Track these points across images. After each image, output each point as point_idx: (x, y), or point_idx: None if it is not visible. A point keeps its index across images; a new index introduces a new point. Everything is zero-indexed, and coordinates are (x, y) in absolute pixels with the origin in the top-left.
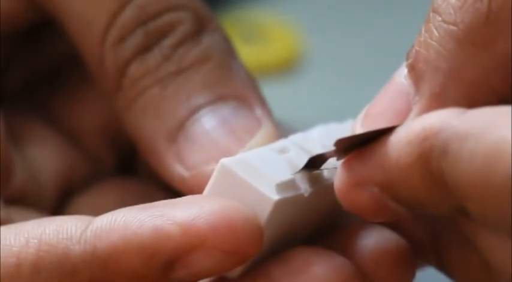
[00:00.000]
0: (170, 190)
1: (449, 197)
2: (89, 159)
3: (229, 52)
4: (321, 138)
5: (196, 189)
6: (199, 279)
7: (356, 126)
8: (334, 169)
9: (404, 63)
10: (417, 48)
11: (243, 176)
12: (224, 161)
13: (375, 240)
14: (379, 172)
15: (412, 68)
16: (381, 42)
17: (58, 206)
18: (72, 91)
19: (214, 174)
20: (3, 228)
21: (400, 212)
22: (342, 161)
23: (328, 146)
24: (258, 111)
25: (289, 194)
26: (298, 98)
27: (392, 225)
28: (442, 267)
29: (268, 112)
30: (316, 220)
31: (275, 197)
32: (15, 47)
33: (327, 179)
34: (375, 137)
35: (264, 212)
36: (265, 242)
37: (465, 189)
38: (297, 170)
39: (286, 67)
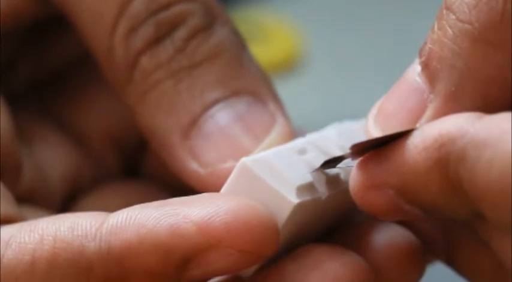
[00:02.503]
0: (175, 192)
1: (466, 202)
2: (94, 161)
3: (240, 45)
4: (338, 138)
5: (212, 186)
6: (213, 277)
7: (369, 125)
8: (350, 170)
9: (417, 61)
10: (431, 46)
11: (263, 176)
12: (245, 160)
13: (386, 237)
14: (395, 176)
15: (426, 66)
16: (381, 42)
17: (64, 206)
18: (78, 93)
19: (234, 173)
20: (17, 225)
21: (415, 214)
22: (357, 161)
23: (345, 148)
24: (272, 106)
25: (308, 197)
26: (298, 97)
27: (405, 223)
28: (453, 264)
29: (281, 107)
30: (331, 220)
31: (295, 200)
32: (20, 45)
33: (344, 181)
34: (391, 140)
35: (282, 214)
36: (280, 241)
37: (483, 196)
38: (314, 175)
39: (286, 67)
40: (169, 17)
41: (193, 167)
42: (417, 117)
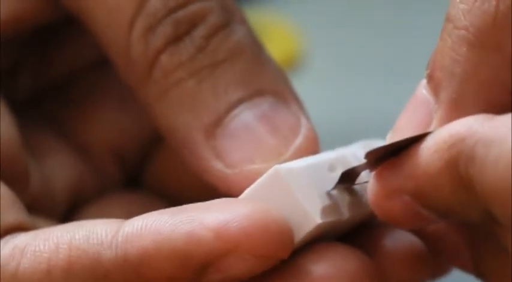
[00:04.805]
0: (176, 203)
1: (478, 203)
2: (97, 173)
3: (259, 44)
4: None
5: (237, 187)
6: (232, 281)
7: (386, 141)
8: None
9: (424, 74)
10: (434, 58)
11: (293, 188)
12: (279, 168)
13: (394, 240)
14: (410, 181)
15: (430, 78)
16: (381, 42)
17: (67, 216)
18: (81, 104)
19: (264, 177)
20: (32, 233)
21: (432, 220)
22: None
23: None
24: (294, 107)
25: (331, 218)
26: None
27: (428, 233)
28: (480, 275)
29: (302, 106)
30: (344, 231)
31: (319, 220)
32: (22, 53)
33: (366, 205)
34: (405, 147)
35: (302, 229)
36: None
37: (491, 195)
38: (340, 197)
39: (287, 67)
40: (188, 15)
41: (219, 167)
42: (425, 129)
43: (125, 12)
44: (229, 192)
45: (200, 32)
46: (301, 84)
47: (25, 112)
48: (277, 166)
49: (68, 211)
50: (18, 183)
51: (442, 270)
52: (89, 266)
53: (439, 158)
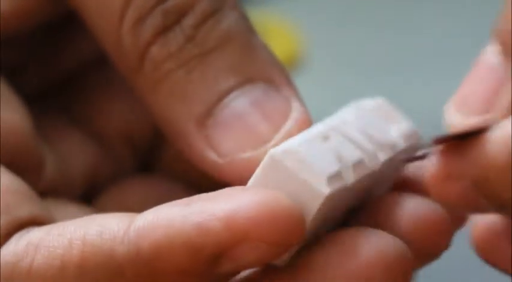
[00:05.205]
0: (190, 186)
1: None
2: (111, 159)
3: (250, 30)
4: (357, 121)
5: (231, 176)
6: (245, 269)
7: (450, 111)
8: (375, 155)
9: (492, 41)
10: (504, 25)
11: (292, 168)
12: (273, 152)
13: (410, 209)
14: (475, 168)
15: (500, 44)
16: (381, 41)
17: (86, 202)
18: (92, 95)
19: (262, 165)
20: (45, 229)
21: (486, 210)
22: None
23: (366, 131)
24: (286, 92)
25: (337, 186)
26: None
27: None
28: None
29: (296, 91)
30: (354, 202)
31: (326, 191)
32: (33, 46)
33: (368, 166)
34: (473, 133)
35: (313, 205)
36: (311, 230)
37: None
38: (342, 159)
39: (287, 66)
40: (177, 4)
41: (211, 157)
42: (493, 97)
43: (115, 5)
44: (224, 181)
45: (189, 20)
46: (301, 84)
47: (36, 105)
48: (271, 151)
49: (85, 196)
50: (32, 172)
51: (462, 224)
52: (102, 261)
53: (507, 153)
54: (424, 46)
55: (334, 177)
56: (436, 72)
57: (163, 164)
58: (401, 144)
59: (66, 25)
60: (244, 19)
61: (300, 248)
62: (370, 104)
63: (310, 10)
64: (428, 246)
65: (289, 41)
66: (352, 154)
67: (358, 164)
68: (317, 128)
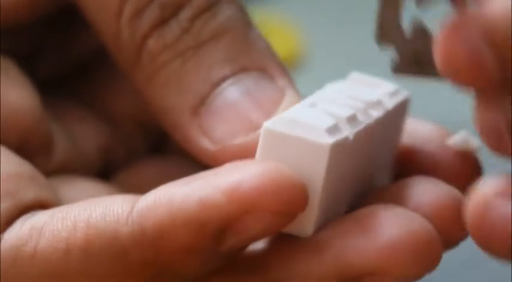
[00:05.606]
0: (203, 169)
1: None
2: (124, 141)
3: (247, 23)
4: (340, 91)
5: (225, 162)
6: (251, 243)
7: None
8: (364, 112)
9: None
10: None
11: (290, 132)
12: (267, 124)
13: (429, 191)
14: (483, 19)
15: None
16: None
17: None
18: (104, 81)
19: (261, 140)
20: (49, 212)
21: (493, 75)
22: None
23: (353, 96)
24: (280, 81)
25: (338, 137)
26: None
27: None
28: None
29: (291, 81)
30: (365, 167)
31: (329, 141)
32: (43, 33)
33: (362, 121)
34: None
35: (321, 162)
36: (327, 195)
37: None
38: (334, 117)
39: (287, 66)
40: None
41: (205, 144)
42: None
43: None
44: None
45: (186, 14)
46: (301, 84)
47: (47, 91)
48: (264, 124)
49: (101, 175)
50: (42, 151)
51: None
52: (107, 243)
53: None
54: None
55: (332, 129)
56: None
57: (175, 147)
58: (388, 101)
59: (78, 14)
60: (242, 12)
61: (322, 223)
62: (348, 79)
63: (310, 10)
64: (451, 231)
65: (289, 40)
66: (343, 112)
67: (351, 118)
68: (302, 102)
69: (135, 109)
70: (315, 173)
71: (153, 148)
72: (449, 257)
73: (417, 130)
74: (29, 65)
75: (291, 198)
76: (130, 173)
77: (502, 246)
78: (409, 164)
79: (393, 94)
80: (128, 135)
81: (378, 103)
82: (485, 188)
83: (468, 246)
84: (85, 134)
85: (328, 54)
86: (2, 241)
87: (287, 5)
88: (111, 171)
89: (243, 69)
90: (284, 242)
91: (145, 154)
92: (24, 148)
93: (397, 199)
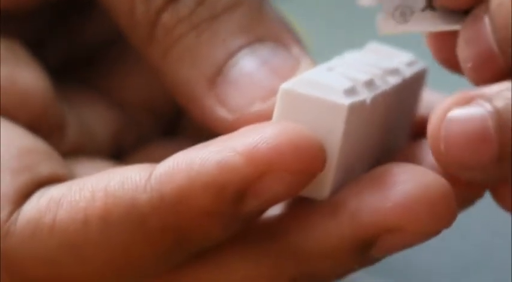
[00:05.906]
0: None
1: None
2: (134, 126)
3: None
4: (357, 58)
5: None
6: (270, 206)
7: None
8: (382, 78)
9: None
10: None
11: (307, 93)
12: (284, 86)
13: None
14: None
15: None
16: (381, 41)
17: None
18: (114, 68)
19: (278, 101)
20: (67, 184)
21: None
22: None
23: (371, 63)
24: (295, 50)
25: (355, 99)
26: None
27: None
28: None
29: (305, 50)
30: (379, 136)
31: (346, 102)
32: (53, 20)
33: (378, 85)
34: None
35: (339, 123)
36: (344, 157)
37: None
38: (352, 80)
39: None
40: None
41: (222, 113)
42: None
43: None
44: None
45: None
46: None
47: (59, 77)
48: (282, 85)
49: (112, 157)
50: (54, 132)
51: None
52: (126, 212)
53: None
54: (425, 49)
55: (350, 91)
56: (436, 71)
57: (185, 131)
58: (406, 70)
59: (88, 3)
60: None
61: (338, 186)
62: (365, 48)
63: (310, 10)
64: (465, 188)
65: None
66: (361, 76)
67: (369, 83)
68: (320, 66)
69: (146, 95)
70: (332, 133)
71: (164, 133)
72: (450, 261)
73: (434, 101)
74: (40, 51)
75: (309, 158)
76: (142, 154)
77: (460, 150)
78: (424, 134)
79: (411, 64)
80: (138, 121)
81: (396, 71)
82: (444, 102)
83: (469, 250)
84: (96, 119)
85: (328, 55)
86: (21, 214)
87: (287, 6)
88: (121, 156)
89: (258, 39)
90: (300, 206)
91: (155, 139)
92: (37, 128)
93: (411, 159)
